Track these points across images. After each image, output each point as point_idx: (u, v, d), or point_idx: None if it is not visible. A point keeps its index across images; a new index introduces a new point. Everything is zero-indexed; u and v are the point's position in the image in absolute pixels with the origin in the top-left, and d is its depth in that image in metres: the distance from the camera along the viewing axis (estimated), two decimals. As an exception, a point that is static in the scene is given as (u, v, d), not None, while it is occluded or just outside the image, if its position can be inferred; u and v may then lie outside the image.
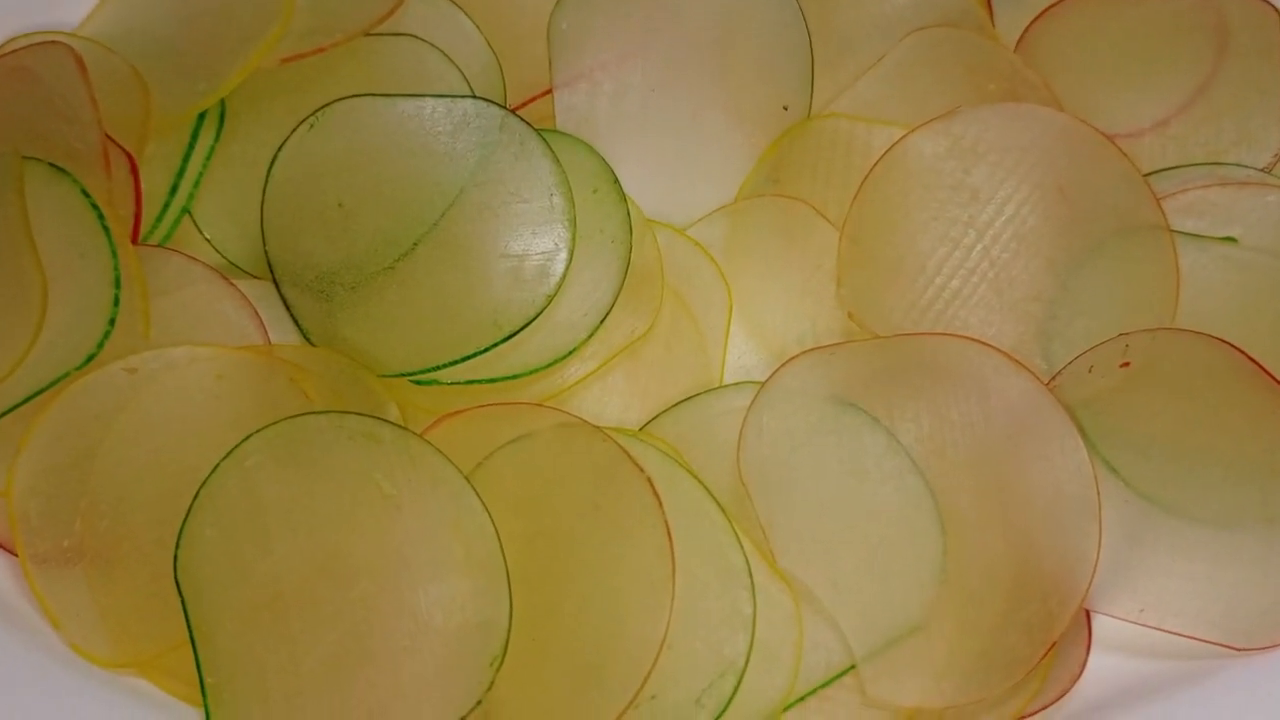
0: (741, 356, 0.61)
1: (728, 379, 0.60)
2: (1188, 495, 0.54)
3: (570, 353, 0.57)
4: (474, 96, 0.60)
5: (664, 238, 0.61)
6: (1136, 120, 0.64)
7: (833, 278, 0.59)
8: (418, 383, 0.57)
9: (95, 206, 0.57)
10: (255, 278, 0.61)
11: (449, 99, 0.59)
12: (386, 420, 0.53)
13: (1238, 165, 0.62)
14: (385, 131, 0.59)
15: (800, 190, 0.61)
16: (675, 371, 0.59)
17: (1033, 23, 0.66)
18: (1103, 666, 0.53)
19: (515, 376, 0.57)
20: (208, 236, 0.62)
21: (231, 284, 0.59)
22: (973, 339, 0.54)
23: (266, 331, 0.59)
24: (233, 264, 0.61)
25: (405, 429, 0.53)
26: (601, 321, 0.58)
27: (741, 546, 0.52)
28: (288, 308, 0.58)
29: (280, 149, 0.59)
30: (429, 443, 0.52)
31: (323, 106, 0.59)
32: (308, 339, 0.58)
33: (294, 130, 0.59)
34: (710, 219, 0.62)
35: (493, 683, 0.50)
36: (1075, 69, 0.65)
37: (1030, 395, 0.53)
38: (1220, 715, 0.52)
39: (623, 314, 0.59)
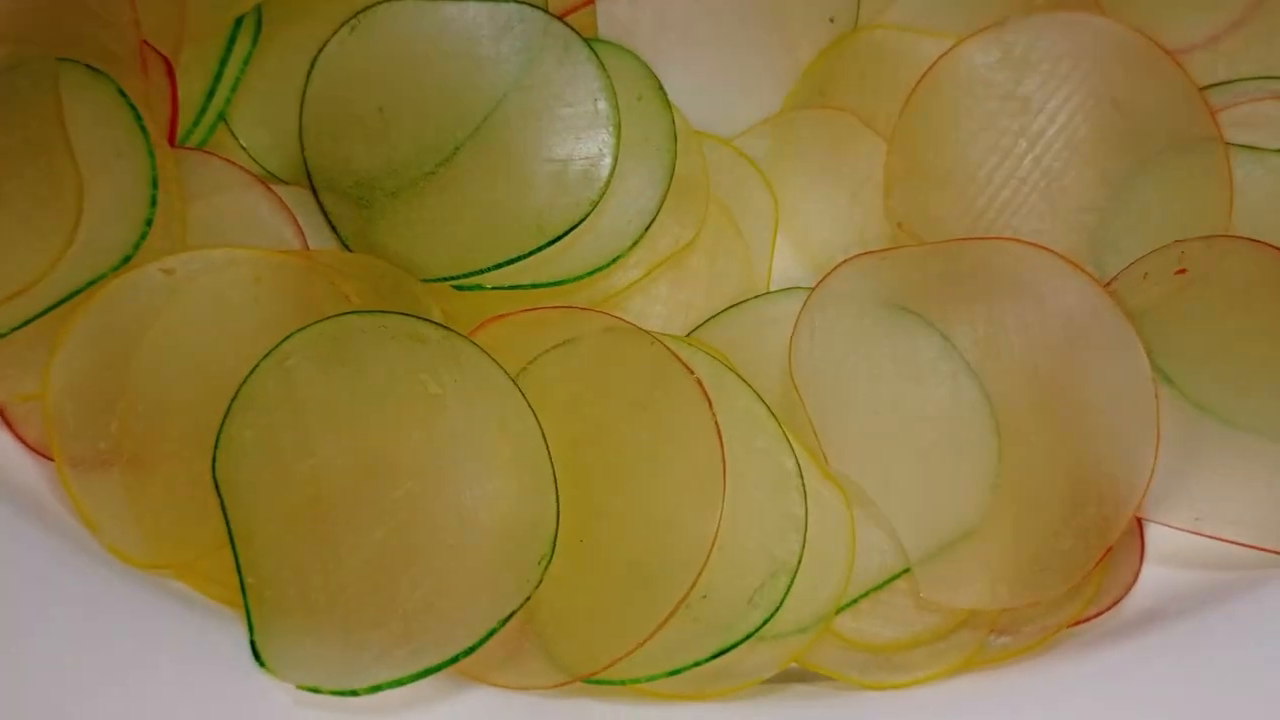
0: (788, 268, 0.60)
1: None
2: (1244, 405, 0.54)
3: (615, 259, 0.56)
4: (518, 1, 0.59)
5: (709, 148, 0.60)
6: (1188, 35, 0.63)
7: (880, 190, 0.58)
8: (460, 288, 0.56)
9: (132, 107, 0.55)
10: (292, 186, 0.59)
11: (492, 3, 0.58)
12: (431, 320, 0.52)
13: (1292, 80, 0.61)
14: (427, 35, 0.58)
15: (847, 103, 0.60)
16: (720, 282, 0.58)
17: (1081, -63, 0.65)
18: (1157, 576, 0.53)
19: (560, 282, 0.56)
20: (244, 144, 0.60)
21: (269, 189, 0.58)
22: (1029, 242, 0.53)
23: (305, 237, 0.58)
24: (269, 173, 0.60)
25: (450, 329, 0.52)
26: (647, 228, 0.57)
27: (793, 449, 0.51)
28: (325, 215, 0.58)
29: (320, 53, 0.58)
30: (474, 343, 0.51)
31: (363, 9, 0.58)
32: (346, 247, 0.57)
33: (334, 34, 0.58)
34: (756, 131, 0.61)
35: (540, 581, 0.49)
36: (1124, -17, 0.64)
37: (1088, 299, 0.52)
38: (1277, 621, 0.51)
39: (668, 222, 0.58)
